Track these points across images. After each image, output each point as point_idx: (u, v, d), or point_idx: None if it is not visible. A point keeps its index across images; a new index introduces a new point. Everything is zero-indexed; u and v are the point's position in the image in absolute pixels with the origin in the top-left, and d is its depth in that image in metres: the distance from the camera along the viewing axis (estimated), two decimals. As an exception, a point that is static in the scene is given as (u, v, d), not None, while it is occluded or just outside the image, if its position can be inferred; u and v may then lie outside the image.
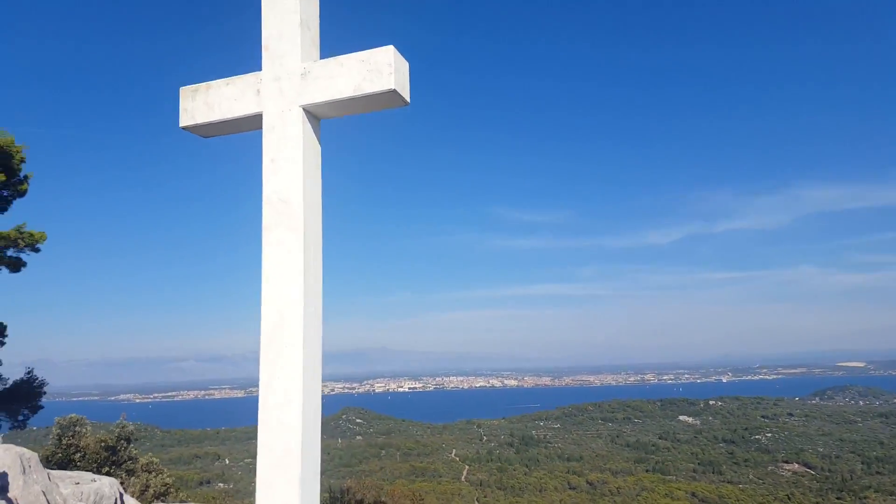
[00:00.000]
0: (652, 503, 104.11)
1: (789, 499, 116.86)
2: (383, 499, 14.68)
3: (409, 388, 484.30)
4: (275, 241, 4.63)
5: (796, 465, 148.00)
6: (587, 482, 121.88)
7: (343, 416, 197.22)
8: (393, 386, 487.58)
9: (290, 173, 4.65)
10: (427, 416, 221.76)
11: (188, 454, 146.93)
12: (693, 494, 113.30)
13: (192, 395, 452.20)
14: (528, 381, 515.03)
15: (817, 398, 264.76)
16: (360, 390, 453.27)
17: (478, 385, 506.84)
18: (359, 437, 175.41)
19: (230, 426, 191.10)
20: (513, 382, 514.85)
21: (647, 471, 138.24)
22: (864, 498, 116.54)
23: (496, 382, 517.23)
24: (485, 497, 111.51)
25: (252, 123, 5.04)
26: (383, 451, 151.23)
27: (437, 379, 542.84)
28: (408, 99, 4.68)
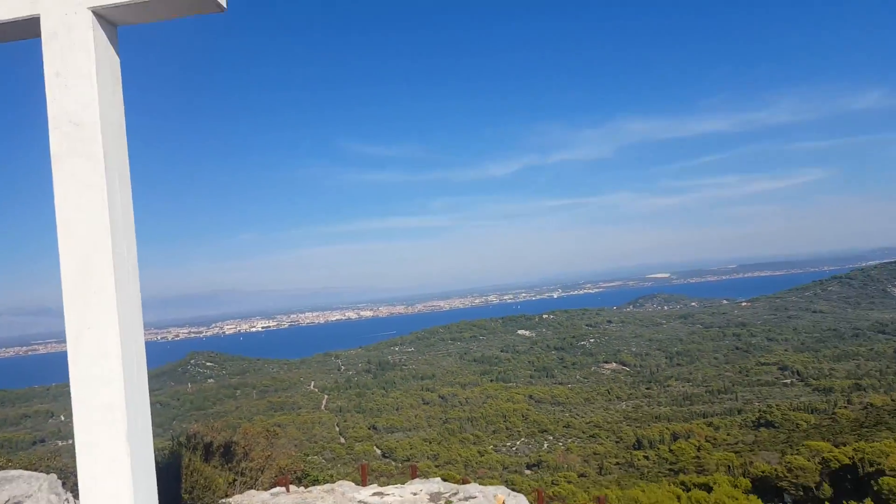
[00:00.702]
0: (496, 408, 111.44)
1: (609, 393, 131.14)
2: (235, 438, 13.96)
3: (263, 328, 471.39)
4: (68, 174, 3.73)
5: (614, 364, 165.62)
6: (440, 396, 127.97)
7: (191, 361, 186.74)
8: (245, 326, 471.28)
9: (81, 90, 3.69)
10: (283, 353, 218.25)
11: (15, 415, 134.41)
12: (530, 397, 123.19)
13: (10, 352, 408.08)
14: (384, 311, 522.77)
15: (631, 306, 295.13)
16: (209, 333, 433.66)
17: (334, 319, 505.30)
18: (210, 380, 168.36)
19: (62, 381, 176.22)
20: (368, 313, 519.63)
21: (491, 381, 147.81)
22: (668, 386, 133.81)
23: (352, 315, 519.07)
24: (345, 421, 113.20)
25: (31, 29, 3.99)
26: (238, 392, 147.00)
27: (292, 316, 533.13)
28: (223, 3, 3.90)
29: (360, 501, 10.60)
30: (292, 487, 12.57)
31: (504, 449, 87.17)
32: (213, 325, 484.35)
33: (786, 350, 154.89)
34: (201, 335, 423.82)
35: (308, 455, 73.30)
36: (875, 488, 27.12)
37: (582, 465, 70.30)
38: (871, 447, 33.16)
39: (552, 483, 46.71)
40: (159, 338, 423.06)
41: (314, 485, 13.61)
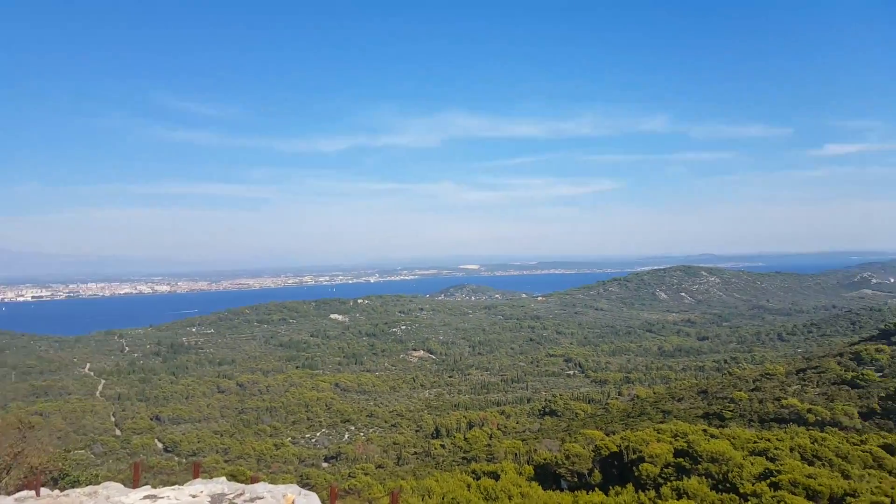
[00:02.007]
0: (299, 396, 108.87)
1: (414, 381, 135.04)
2: None
3: (33, 297, 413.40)
4: None
5: (422, 352, 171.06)
6: (237, 384, 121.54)
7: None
8: (10, 295, 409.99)
9: None
10: (56, 329, 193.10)
11: None
12: (336, 384, 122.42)
13: None
14: (183, 287, 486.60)
15: (442, 295, 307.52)
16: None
17: (122, 292, 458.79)
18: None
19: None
20: (164, 288, 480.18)
21: (297, 367, 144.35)
22: (469, 374, 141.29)
23: (145, 289, 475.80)
24: (123, 410, 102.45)
25: None
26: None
27: (72, 286, 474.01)
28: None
29: None
30: (45, 490, 10.75)
31: (303, 441, 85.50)
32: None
33: (571, 343, 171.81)
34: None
35: (72, 451, 65.35)
36: (636, 474, 30.73)
37: (381, 455, 71.33)
38: (634, 436, 37.57)
39: (349, 476, 46.67)
40: None
41: (73, 486, 11.76)
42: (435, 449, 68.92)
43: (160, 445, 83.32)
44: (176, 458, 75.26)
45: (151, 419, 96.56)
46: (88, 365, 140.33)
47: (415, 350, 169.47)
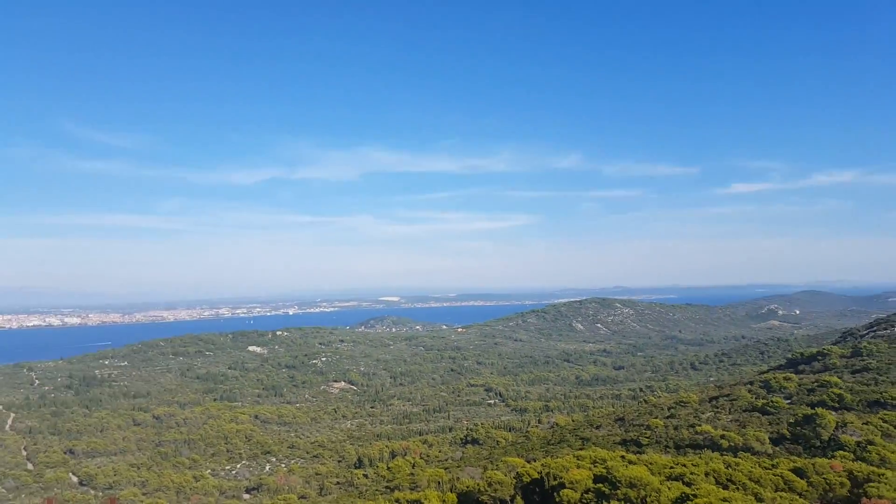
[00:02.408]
0: (217, 429, 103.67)
1: (335, 412, 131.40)
2: None
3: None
4: None
5: (343, 383, 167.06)
6: (153, 416, 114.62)
7: None
8: None
9: None
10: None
11: None
12: (256, 416, 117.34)
13: None
14: (94, 319, 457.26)
15: (363, 326, 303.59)
16: None
17: (31, 324, 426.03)
18: None
19: None
20: (75, 321, 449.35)
21: (215, 399, 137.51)
22: (391, 405, 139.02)
23: (54, 321, 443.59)
24: (35, 444, 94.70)
25: None
26: None
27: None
28: None
29: None
30: None
31: (223, 473, 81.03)
32: None
33: (491, 373, 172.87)
34: None
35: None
36: (557, 500, 30.87)
37: (303, 486, 68.59)
38: (555, 462, 37.89)
39: (272, 508, 44.48)
40: None
41: None
42: (358, 479, 67.03)
43: (75, 479, 77.02)
44: (92, 492, 69.66)
45: (65, 452, 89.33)
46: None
47: (336, 381, 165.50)
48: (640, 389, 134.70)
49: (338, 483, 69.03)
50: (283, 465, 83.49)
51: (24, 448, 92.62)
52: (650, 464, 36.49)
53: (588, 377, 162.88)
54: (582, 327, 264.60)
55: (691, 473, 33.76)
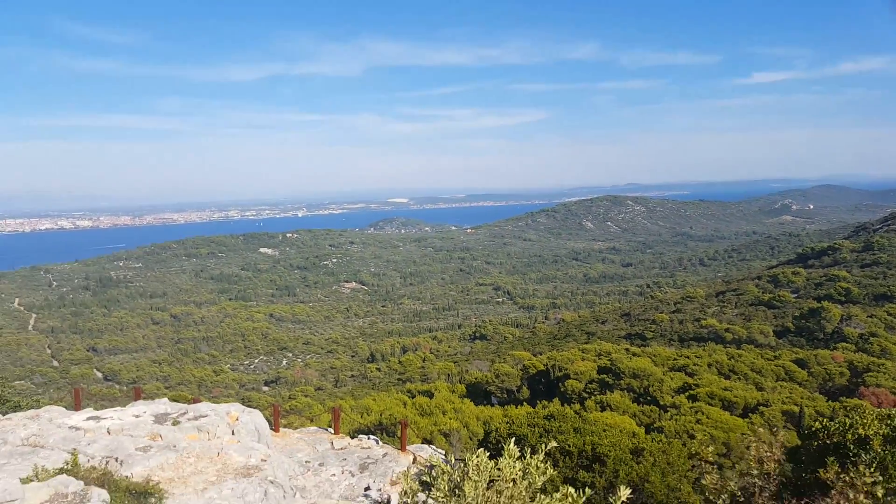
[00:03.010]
0: (234, 327, 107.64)
1: (348, 310, 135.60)
2: None
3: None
4: None
5: (354, 283, 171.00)
6: (171, 315, 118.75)
7: None
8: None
9: None
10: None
11: None
12: (271, 315, 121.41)
13: None
14: (105, 222, 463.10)
15: (372, 228, 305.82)
16: None
17: (43, 228, 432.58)
18: None
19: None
20: (86, 223, 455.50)
21: (230, 299, 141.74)
22: (401, 304, 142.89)
23: (66, 224, 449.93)
24: (58, 343, 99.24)
25: None
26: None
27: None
28: None
29: (71, 427, 8.99)
30: None
31: (242, 367, 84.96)
32: None
33: (500, 273, 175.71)
34: None
35: (11, 381, 62.90)
36: (562, 390, 32.23)
37: (319, 379, 71.91)
38: (560, 355, 39.25)
39: (290, 398, 46.81)
40: None
41: (15, 411, 11.26)
42: (371, 372, 70.05)
43: (99, 375, 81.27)
44: (117, 386, 73.68)
45: (88, 350, 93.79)
46: (17, 300, 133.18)
47: (347, 282, 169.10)
48: (648, 286, 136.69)
49: (352, 376, 72.30)
50: (300, 360, 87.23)
51: (48, 346, 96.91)
52: (654, 356, 37.70)
53: (596, 275, 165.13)
54: (592, 226, 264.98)
55: (694, 365, 34.90)
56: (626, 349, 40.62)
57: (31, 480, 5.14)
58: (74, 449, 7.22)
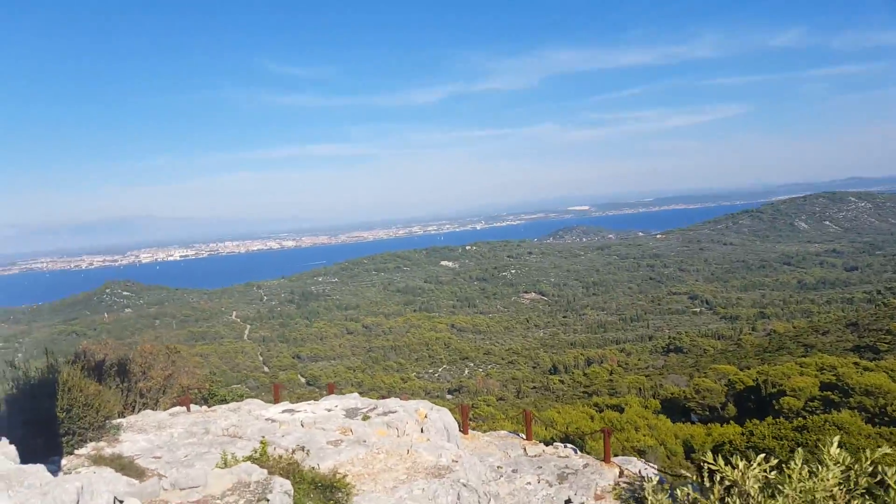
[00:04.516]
0: (419, 336, 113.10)
1: (528, 321, 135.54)
2: (132, 356, 12.74)
3: (181, 257, 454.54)
4: None
5: (533, 294, 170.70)
6: (363, 326, 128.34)
7: (107, 291, 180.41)
8: (161, 255, 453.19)
9: None
10: (202, 283, 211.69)
11: None
12: (452, 325, 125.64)
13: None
14: (306, 241, 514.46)
15: (551, 238, 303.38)
16: (124, 262, 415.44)
17: (255, 248, 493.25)
18: (128, 310, 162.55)
19: None
20: (291, 244, 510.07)
21: (414, 311, 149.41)
22: (584, 314, 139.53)
23: (273, 245, 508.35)
24: (268, 351, 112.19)
25: None
26: (157, 321, 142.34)
27: (211, 245, 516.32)
28: None
29: (268, 419, 9.70)
30: (195, 407, 11.61)
31: (426, 376, 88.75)
32: (129, 253, 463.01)
33: (696, 280, 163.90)
34: (116, 264, 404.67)
35: (230, 384, 72.08)
36: (776, 407, 28.80)
37: (501, 389, 72.44)
38: (773, 370, 35.22)
39: (472, 406, 47.63)
40: (73, 266, 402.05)
41: (221, 405, 12.70)
42: (554, 384, 68.97)
43: (302, 380, 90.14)
44: (317, 390, 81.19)
45: (293, 357, 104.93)
46: (234, 313, 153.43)
47: (526, 292, 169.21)
48: (878, 292, 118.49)
49: (534, 387, 71.79)
50: (481, 370, 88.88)
51: (260, 354, 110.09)
52: (891, 370, 32.25)
53: (813, 281, 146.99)
54: (806, 226, 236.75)
55: (948, 382, 29.22)
56: (855, 363, 35.25)
57: (220, 468, 5.45)
58: (263, 438, 7.66)
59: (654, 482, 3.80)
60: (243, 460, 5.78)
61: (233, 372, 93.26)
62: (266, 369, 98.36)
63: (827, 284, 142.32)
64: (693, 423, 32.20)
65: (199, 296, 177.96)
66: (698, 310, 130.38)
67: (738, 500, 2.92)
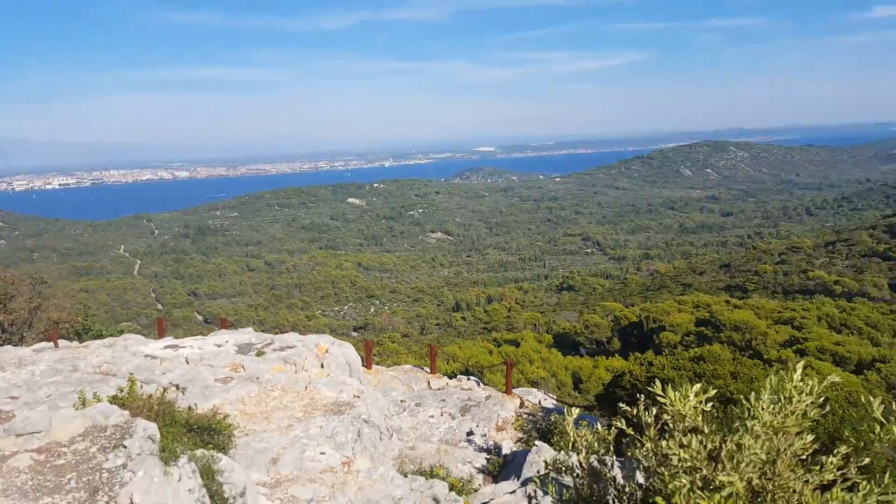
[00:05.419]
0: (325, 274, 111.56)
1: (433, 260, 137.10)
2: None
3: (60, 185, 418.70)
4: None
5: (439, 234, 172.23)
6: (266, 263, 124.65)
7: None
8: (39, 183, 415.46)
9: None
10: (86, 214, 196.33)
11: None
12: (359, 264, 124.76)
13: None
14: (202, 173, 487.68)
15: (458, 178, 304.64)
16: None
17: (144, 178, 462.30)
18: (1, 242, 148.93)
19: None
20: (184, 174, 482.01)
21: (320, 248, 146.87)
22: (486, 254, 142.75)
23: (165, 175, 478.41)
24: (161, 288, 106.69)
25: None
26: (35, 255, 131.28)
27: (95, 173, 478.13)
28: None
29: (147, 355, 8.96)
30: (64, 343, 10.67)
31: (332, 314, 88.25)
32: (1, 180, 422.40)
33: (589, 223, 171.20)
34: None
35: (119, 322, 68.23)
36: (656, 342, 30.93)
37: (406, 326, 73.40)
38: (654, 307, 37.65)
39: (377, 343, 47.98)
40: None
41: (97, 339, 11.71)
42: (456, 321, 70.69)
43: (200, 318, 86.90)
44: (216, 328, 78.79)
45: (189, 295, 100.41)
46: (122, 247, 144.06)
47: (432, 232, 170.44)
48: (749, 236, 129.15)
49: (437, 324, 73.30)
50: (387, 308, 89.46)
51: (153, 291, 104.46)
52: (757, 308, 35.38)
53: (693, 225, 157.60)
54: (690, 173, 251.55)
55: (802, 318, 32.44)
56: (727, 301, 38.37)
57: (77, 410, 4.79)
58: (132, 375, 7.01)
59: (573, 417, 3.70)
60: (107, 400, 5.11)
61: (123, 309, 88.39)
62: (160, 307, 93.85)
63: (705, 228, 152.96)
64: (582, 356, 34.08)
65: (82, 228, 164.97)
66: (590, 251, 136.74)
67: (693, 439, 2.70)
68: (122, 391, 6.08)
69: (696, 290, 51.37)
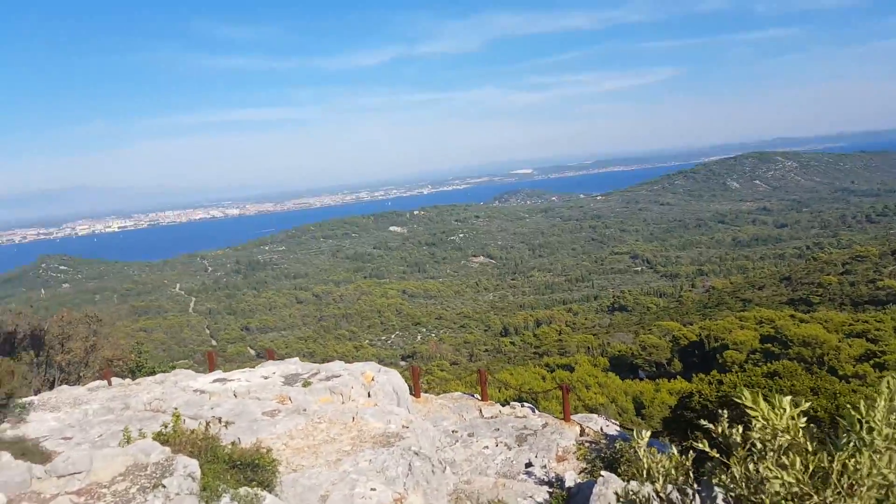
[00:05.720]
0: (370, 303, 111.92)
1: (477, 285, 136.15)
2: (46, 327, 11.47)
3: (119, 228, 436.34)
4: None
5: (482, 257, 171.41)
6: (313, 295, 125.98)
7: (42, 266, 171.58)
8: (99, 227, 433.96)
9: None
10: (143, 255, 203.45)
11: None
12: (403, 291, 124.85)
13: None
14: (251, 209, 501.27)
15: (497, 201, 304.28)
16: (60, 235, 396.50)
17: (197, 217, 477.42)
18: (66, 285, 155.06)
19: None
20: (234, 212, 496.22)
21: (364, 277, 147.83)
22: (531, 276, 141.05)
23: (217, 213, 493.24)
24: (215, 323, 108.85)
25: None
26: (97, 296, 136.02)
27: (150, 215, 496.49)
28: None
29: (196, 390, 8.66)
30: (118, 380, 10.49)
31: (379, 343, 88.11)
32: (64, 225, 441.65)
33: (636, 240, 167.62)
34: (52, 237, 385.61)
35: (176, 360, 69.61)
36: (720, 361, 29.36)
37: (454, 353, 72.53)
38: (715, 325, 35.96)
39: (426, 372, 47.33)
40: (5, 241, 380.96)
41: (149, 376, 11.55)
42: (505, 346, 69.45)
43: (252, 352, 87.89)
44: (266, 364, 79.49)
45: (241, 329, 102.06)
46: (178, 285, 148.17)
47: (474, 256, 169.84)
48: (808, 247, 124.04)
49: (486, 350, 72.19)
50: (433, 335, 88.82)
51: (207, 327, 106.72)
52: (825, 321, 33.36)
53: (746, 238, 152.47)
54: (737, 185, 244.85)
55: (876, 330, 30.35)
56: (791, 315, 36.37)
57: (122, 448, 4.41)
58: (176, 409, 6.66)
59: (645, 442, 3.05)
60: (151, 437, 4.74)
61: (179, 347, 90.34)
62: (214, 342, 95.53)
63: (759, 241, 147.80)
64: (641, 379, 32.62)
65: (140, 268, 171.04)
66: (640, 269, 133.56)
67: (795, 459, 2.02)
68: (166, 427, 5.75)
69: (758, 306, 49.12)
